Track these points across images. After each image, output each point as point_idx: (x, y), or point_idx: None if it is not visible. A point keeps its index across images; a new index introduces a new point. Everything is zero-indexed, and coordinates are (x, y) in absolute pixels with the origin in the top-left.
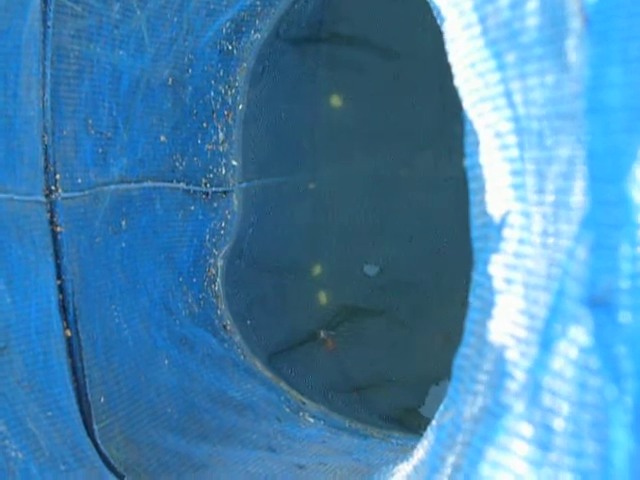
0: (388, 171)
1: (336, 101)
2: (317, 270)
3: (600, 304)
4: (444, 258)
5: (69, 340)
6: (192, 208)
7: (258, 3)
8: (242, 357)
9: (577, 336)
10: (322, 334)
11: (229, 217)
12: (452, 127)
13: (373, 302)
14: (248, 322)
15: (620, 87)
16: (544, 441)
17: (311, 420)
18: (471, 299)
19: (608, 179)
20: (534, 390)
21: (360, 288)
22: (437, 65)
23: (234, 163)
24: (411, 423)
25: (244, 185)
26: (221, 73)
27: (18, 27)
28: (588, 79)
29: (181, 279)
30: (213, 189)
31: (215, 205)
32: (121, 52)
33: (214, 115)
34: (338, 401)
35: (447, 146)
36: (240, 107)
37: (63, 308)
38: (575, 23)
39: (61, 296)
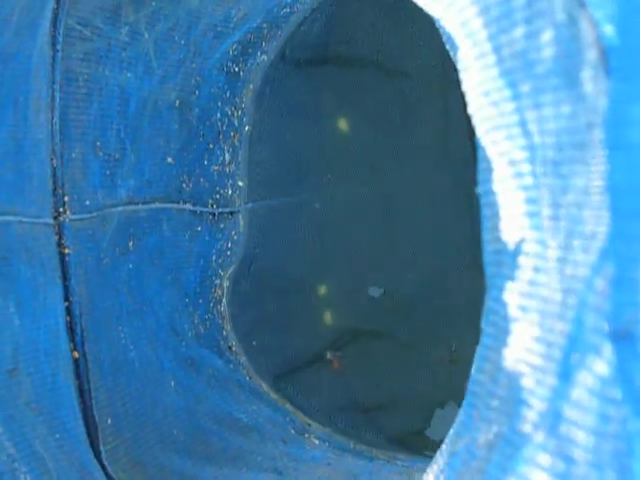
0: (393, 191)
1: (341, 121)
2: (322, 290)
3: (622, 337)
4: (449, 279)
5: (76, 362)
6: (199, 229)
7: (264, 25)
8: (248, 378)
9: (597, 367)
10: (328, 355)
11: (235, 238)
12: (457, 147)
13: (378, 323)
14: (254, 343)
15: None
16: (564, 472)
17: (316, 442)
18: (484, 325)
19: (631, 214)
20: (553, 420)
21: (365, 309)
22: (442, 85)
23: (240, 184)
24: (416, 445)
25: (250, 206)
26: (228, 95)
27: (28, 51)
28: (609, 114)
29: (187, 300)
30: (219, 210)
31: (222, 226)
32: (129, 74)
33: (220, 136)
34: (343, 423)
35: (452, 166)
36: (246, 128)
37: (71, 330)
38: (591, 54)
39: (69, 318)
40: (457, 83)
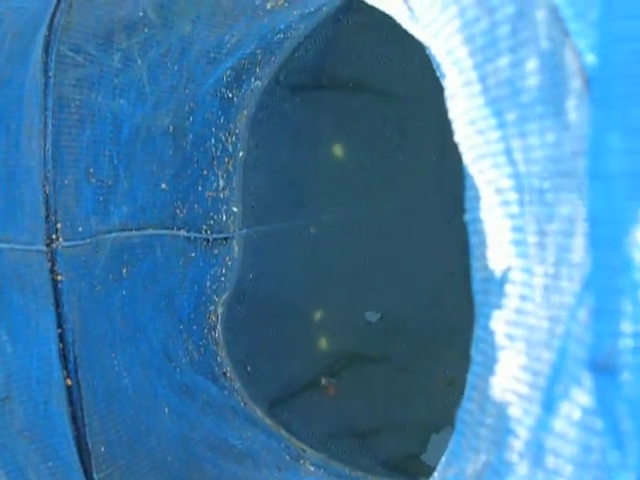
0: (389, 215)
1: (337, 147)
2: (318, 316)
3: (602, 368)
4: (445, 303)
5: (69, 389)
6: (193, 255)
7: (259, 51)
8: (242, 404)
9: (579, 398)
10: (323, 381)
11: (229, 263)
12: (453, 171)
13: (374, 348)
14: (248, 369)
15: (620, 153)
16: None
17: (311, 468)
18: (474, 353)
19: (610, 244)
20: (537, 450)
21: (361, 334)
22: (438, 110)
23: (234, 210)
24: (412, 470)
25: (244, 231)
26: (221, 120)
27: (20, 77)
28: (589, 144)
29: (181, 326)
30: (214, 236)
31: (216, 252)
32: (122, 101)
33: (214, 162)
34: (338, 448)
35: (448, 190)
36: (240, 154)
37: (63, 357)
38: (575, 83)
39: (61, 345)
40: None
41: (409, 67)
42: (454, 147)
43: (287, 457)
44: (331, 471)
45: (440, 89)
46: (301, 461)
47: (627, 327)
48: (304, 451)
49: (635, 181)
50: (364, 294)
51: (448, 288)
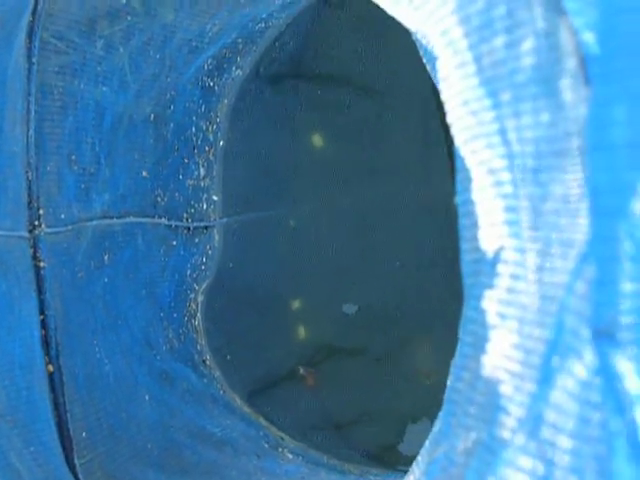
0: (368, 207)
1: (317, 138)
2: (297, 306)
3: (603, 336)
4: (426, 295)
5: (51, 375)
6: (174, 243)
7: (240, 40)
8: (221, 392)
9: (577, 369)
10: (301, 370)
11: (210, 252)
12: (433, 163)
13: (352, 340)
14: (228, 357)
15: (623, 125)
16: (544, 474)
17: (290, 456)
18: (462, 335)
19: (611, 214)
20: (534, 423)
21: (339, 325)
22: (418, 102)
23: (215, 198)
24: (389, 460)
25: (225, 220)
26: (202, 109)
27: (4, 63)
28: (591, 118)
29: (162, 314)
30: (194, 224)
31: (196, 240)
32: (104, 88)
33: (195, 151)
34: (317, 437)
35: (428, 182)
36: (221, 143)
37: (46, 343)
38: (570, 63)
39: (44, 331)
40: (436, 100)
41: (390, 60)
42: (434, 139)
43: (266, 445)
44: (309, 459)
45: (420, 81)
46: (280, 449)
47: (628, 288)
48: (283, 439)
49: (638, 151)
50: (342, 285)
51: (428, 280)
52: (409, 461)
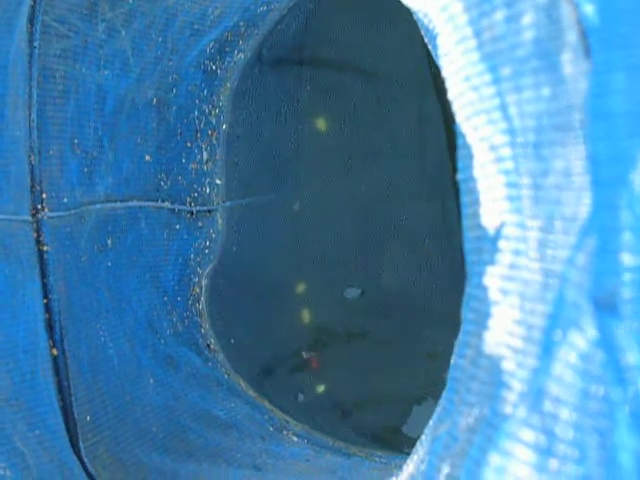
0: (370, 191)
1: (319, 122)
2: (300, 290)
3: (605, 306)
4: (427, 279)
5: (55, 359)
6: (177, 227)
7: (241, 24)
8: (226, 376)
9: (579, 341)
10: (304, 354)
11: (213, 236)
12: (433, 148)
13: (354, 324)
14: (232, 341)
15: (623, 93)
16: (546, 447)
17: (295, 439)
18: (465, 312)
19: (612, 183)
20: (536, 396)
21: (342, 309)
22: (419, 88)
23: (218, 182)
24: (394, 442)
25: (228, 204)
26: (205, 93)
27: (5, 47)
28: (591, 87)
29: (166, 298)
30: (197, 208)
31: (200, 224)
32: (106, 72)
33: (198, 134)
34: (321, 420)
35: (428, 167)
36: (224, 127)
37: (50, 327)
38: (571, 37)
39: (47, 315)
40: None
41: (392, 45)
42: (434, 124)
43: (271, 428)
44: (314, 442)
45: (422, 69)
46: (284, 432)
47: (629, 261)
48: (287, 422)
49: (637, 120)
50: (345, 269)
51: (429, 264)
52: (414, 443)
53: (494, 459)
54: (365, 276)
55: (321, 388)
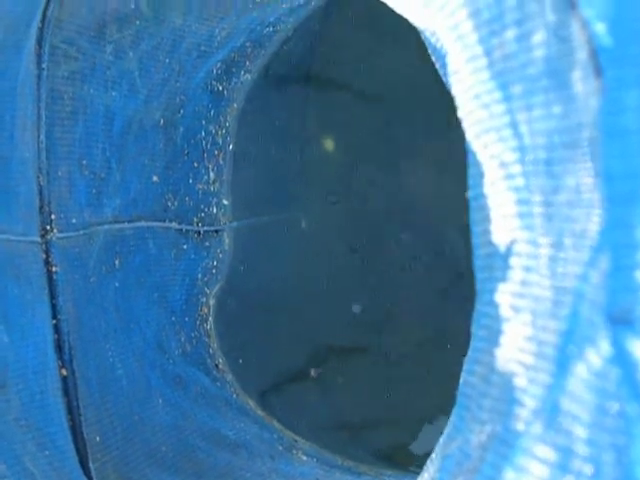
0: (377, 210)
1: (326, 142)
2: (307, 307)
3: (619, 322)
4: (433, 295)
5: (65, 379)
6: (185, 247)
7: (248, 45)
8: (234, 396)
9: (593, 358)
10: (312, 372)
11: (221, 256)
12: (442, 167)
13: (361, 341)
14: (240, 360)
15: (636, 110)
16: (562, 463)
17: (304, 458)
18: (475, 329)
19: (626, 201)
20: (551, 413)
21: (349, 327)
22: (426, 107)
23: (225, 202)
24: (402, 460)
25: (235, 224)
26: (212, 113)
27: (14, 69)
28: (604, 104)
29: (174, 318)
30: (205, 228)
31: (207, 244)
32: (114, 93)
33: (205, 155)
34: (330, 439)
35: (440, 187)
36: (230, 147)
37: (59, 347)
38: (581, 55)
39: (56, 335)
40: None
41: (397, 61)
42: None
43: (280, 447)
44: (324, 461)
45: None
46: (294, 451)
47: None
48: (296, 441)
49: None
50: (349, 287)
51: (434, 279)
52: (422, 461)
53: (508, 475)
54: (371, 293)
55: (329, 405)
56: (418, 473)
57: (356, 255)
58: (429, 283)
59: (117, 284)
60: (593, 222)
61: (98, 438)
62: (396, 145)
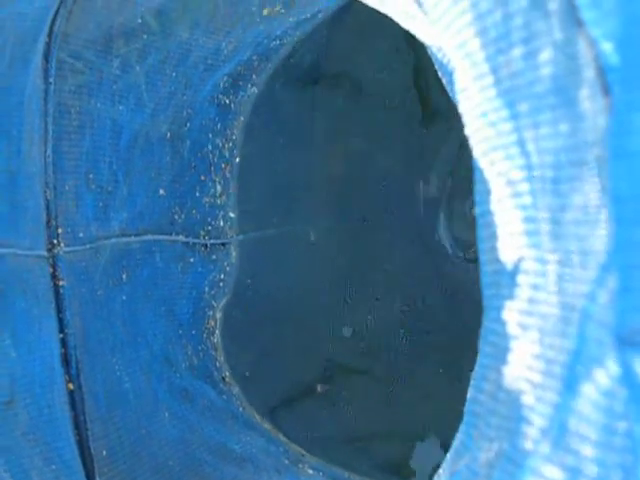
0: (384, 224)
1: (331, 154)
2: (314, 321)
3: (627, 344)
4: (435, 311)
5: (72, 394)
6: (191, 260)
7: (254, 58)
8: (241, 409)
9: (601, 378)
10: (319, 388)
11: (227, 269)
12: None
13: (366, 358)
14: (246, 374)
15: None
16: None
17: (310, 471)
18: (482, 346)
19: (634, 222)
20: (558, 433)
21: (352, 344)
22: (436, 117)
23: (232, 215)
24: (409, 474)
25: (242, 237)
26: (218, 127)
27: (21, 83)
28: (612, 125)
29: (181, 331)
30: (211, 241)
31: (214, 257)
32: (121, 107)
33: (212, 168)
34: (336, 453)
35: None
36: (237, 160)
37: (66, 362)
38: (588, 73)
39: (63, 350)
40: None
41: (406, 75)
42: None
43: (286, 461)
44: (330, 474)
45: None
46: (300, 465)
47: None
48: (303, 455)
49: None
50: (359, 301)
51: (438, 296)
52: (428, 478)
53: None
54: (376, 309)
55: (336, 419)
56: None
57: (364, 267)
58: (434, 298)
59: (124, 298)
60: (601, 241)
61: (105, 452)
62: (410, 156)
